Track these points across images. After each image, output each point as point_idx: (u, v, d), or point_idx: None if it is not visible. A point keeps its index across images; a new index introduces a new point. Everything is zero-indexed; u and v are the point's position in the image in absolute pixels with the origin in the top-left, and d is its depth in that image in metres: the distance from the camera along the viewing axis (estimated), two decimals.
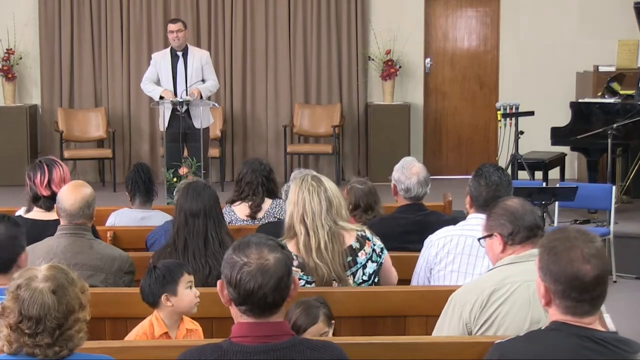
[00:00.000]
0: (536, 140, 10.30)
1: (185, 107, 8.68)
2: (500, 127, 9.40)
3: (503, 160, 9.48)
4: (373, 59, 11.42)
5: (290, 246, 3.84)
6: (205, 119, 8.85)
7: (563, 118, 9.73)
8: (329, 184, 4.00)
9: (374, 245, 4.02)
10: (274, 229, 4.30)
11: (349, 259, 3.94)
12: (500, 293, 3.26)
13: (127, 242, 5.18)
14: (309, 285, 3.89)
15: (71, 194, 4.27)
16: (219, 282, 2.68)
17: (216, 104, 9.42)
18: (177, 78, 8.92)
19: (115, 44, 11.44)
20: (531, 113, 9.59)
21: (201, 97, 8.77)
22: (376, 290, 3.99)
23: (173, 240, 4.26)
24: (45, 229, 4.47)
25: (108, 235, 5.25)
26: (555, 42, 11.45)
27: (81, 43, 11.43)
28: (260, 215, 5.54)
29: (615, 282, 7.10)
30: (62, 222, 4.29)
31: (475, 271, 4.03)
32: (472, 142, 11.89)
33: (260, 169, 5.63)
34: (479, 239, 3.54)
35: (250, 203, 5.56)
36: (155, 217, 5.57)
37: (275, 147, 11.54)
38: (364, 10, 11.49)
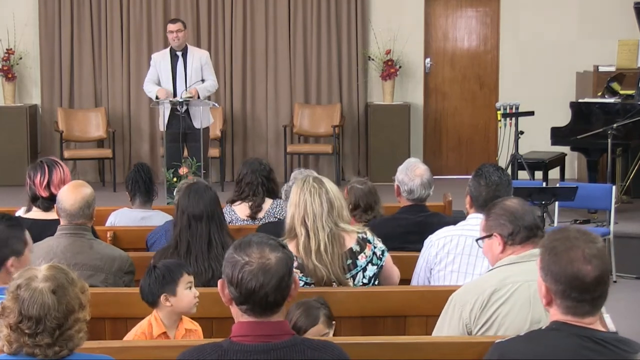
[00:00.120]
0: (536, 140, 10.30)
1: (185, 107, 8.68)
2: (500, 127, 9.40)
3: (503, 160, 9.48)
4: (373, 59, 11.42)
5: (291, 247, 3.83)
6: (205, 118, 8.85)
7: (563, 118, 9.73)
8: (330, 185, 3.99)
9: (375, 248, 4.00)
10: (274, 229, 4.29)
11: (349, 261, 3.93)
12: (501, 293, 3.25)
13: (127, 242, 5.18)
14: (308, 287, 3.89)
15: (71, 194, 4.27)
16: (219, 282, 2.68)
17: (216, 104, 9.42)
18: (177, 78, 8.92)
19: (115, 44, 11.44)
20: (531, 113, 9.59)
21: (198, 97, 8.77)
22: (376, 290, 3.98)
23: (175, 244, 4.24)
24: (45, 229, 4.46)
25: (108, 235, 5.24)
26: (555, 42, 11.45)
27: (81, 43, 11.43)
28: (260, 215, 5.54)
29: (615, 282, 7.10)
30: (62, 222, 4.29)
31: (475, 271, 4.03)
32: (472, 142, 11.89)
33: (260, 169, 5.62)
34: (477, 240, 3.53)
35: (250, 203, 5.55)
36: (155, 217, 5.56)
37: (275, 147, 11.54)
38: (364, 10, 11.49)
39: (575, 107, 9.56)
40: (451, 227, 4.21)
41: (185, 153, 8.74)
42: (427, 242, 4.24)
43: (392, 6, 11.47)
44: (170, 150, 8.76)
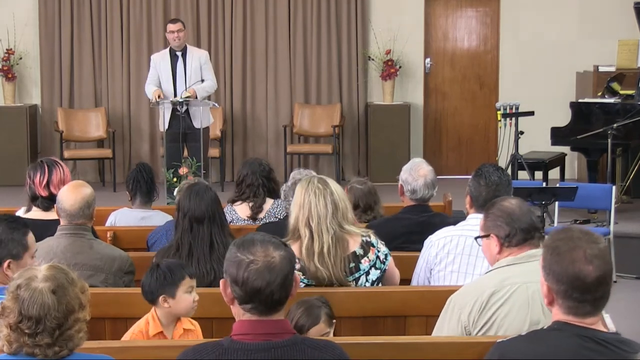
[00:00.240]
0: (536, 140, 10.30)
1: (185, 107, 8.68)
2: (500, 127, 9.40)
3: (503, 160, 9.48)
4: (373, 59, 11.42)
5: (294, 249, 3.81)
6: (205, 119, 8.85)
7: (563, 118, 9.73)
8: (335, 186, 3.96)
9: (378, 252, 3.98)
10: (275, 229, 4.28)
11: (352, 265, 3.91)
12: (500, 294, 3.25)
13: (127, 242, 5.17)
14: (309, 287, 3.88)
15: (71, 194, 4.26)
16: (222, 281, 2.66)
17: (216, 104, 9.42)
18: (177, 78, 8.92)
19: (115, 44, 11.44)
20: (531, 113, 9.59)
21: (196, 98, 8.76)
22: (376, 290, 3.98)
23: (177, 246, 4.22)
24: (45, 229, 4.46)
25: (108, 235, 5.24)
26: (555, 42, 11.45)
27: (81, 43, 11.43)
28: (261, 215, 5.53)
29: (615, 282, 7.10)
30: (62, 222, 4.28)
31: (475, 271, 4.03)
32: (472, 142, 11.89)
33: (260, 169, 5.60)
34: (475, 238, 3.53)
35: (251, 204, 5.54)
36: (155, 217, 5.56)
37: (275, 147, 11.54)
38: (364, 10, 11.49)
39: (575, 107, 9.56)
40: (451, 227, 4.21)
41: (185, 153, 8.74)
42: (427, 242, 4.23)
43: (392, 6, 11.47)
44: (170, 150, 8.76)
